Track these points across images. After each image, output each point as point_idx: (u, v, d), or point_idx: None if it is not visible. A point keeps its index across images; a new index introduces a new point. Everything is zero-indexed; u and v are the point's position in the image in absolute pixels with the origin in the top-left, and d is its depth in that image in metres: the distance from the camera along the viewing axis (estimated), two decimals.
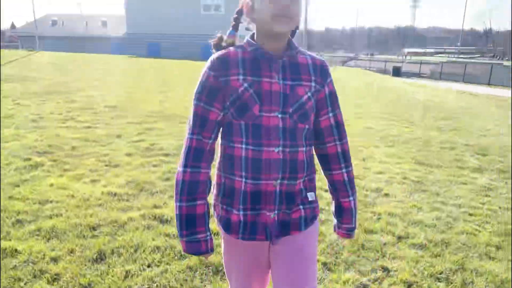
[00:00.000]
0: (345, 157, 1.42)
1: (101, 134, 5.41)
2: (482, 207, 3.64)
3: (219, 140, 1.35)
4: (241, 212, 1.31)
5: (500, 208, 3.65)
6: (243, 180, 1.28)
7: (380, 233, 3.00)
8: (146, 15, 32.26)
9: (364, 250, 2.75)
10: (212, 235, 1.32)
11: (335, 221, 1.49)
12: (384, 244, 2.84)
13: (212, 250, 1.32)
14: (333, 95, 1.37)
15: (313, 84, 1.31)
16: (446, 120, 8.30)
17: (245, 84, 1.25)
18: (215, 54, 1.31)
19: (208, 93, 1.27)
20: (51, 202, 3.23)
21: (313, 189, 1.41)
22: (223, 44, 1.37)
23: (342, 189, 1.44)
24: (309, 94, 1.30)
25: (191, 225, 1.28)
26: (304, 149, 1.32)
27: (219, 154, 1.37)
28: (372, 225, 3.12)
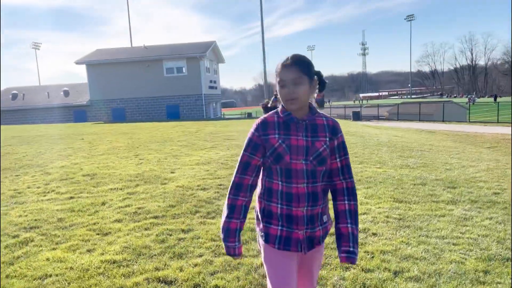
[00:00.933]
0: (349, 192, 1.90)
1: (86, 204, 5.39)
2: (463, 236, 3.90)
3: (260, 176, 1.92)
4: (279, 227, 1.85)
5: (479, 235, 3.93)
6: (279, 205, 1.83)
7: (377, 270, 3.17)
8: (109, 82, 32.67)
9: None
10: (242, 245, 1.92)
11: (337, 249, 1.90)
12: (383, 280, 3.00)
13: (239, 254, 1.89)
14: (341, 145, 1.90)
15: (327, 139, 1.86)
16: (413, 158, 8.79)
17: (280, 141, 1.82)
18: (259, 119, 1.89)
19: (252, 147, 1.86)
20: (50, 276, 3.20)
21: (326, 213, 1.93)
22: (269, 105, 1.99)
23: (342, 216, 1.89)
24: (324, 146, 1.84)
25: (227, 234, 1.86)
26: (321, 184, 1.85)
27: (260, 187, 1.92)
28: (368, 263, 3.28)
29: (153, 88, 32.66)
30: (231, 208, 1.86)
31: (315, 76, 1.86)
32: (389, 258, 3.41)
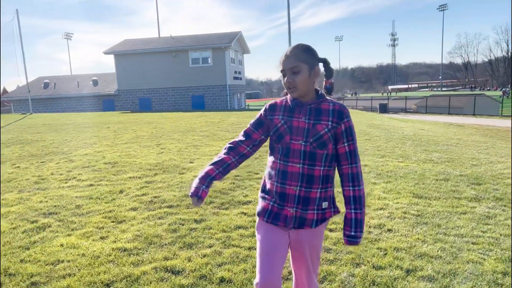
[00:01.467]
0: (353, 177, 1.93)
1: (104, 191, 5.49)
2: (484, 235, 3.74)
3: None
4: (271, 203, 1.96)
5: (501, 235, 3.75)
6: (275, 183, 1.94)
7: (389, 268, 3.07)
8: (136, 72, 33.15)
9: (375, 286, 2.82)
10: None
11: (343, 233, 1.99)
12: (394, 278, 2.91)
13: (202, 198, 1.96)
14: (348, 130, 1.93)
15: (329, 123, 1.90)
16: (438, 153, 8.51)
17: (282, 121, 1.95)
18: (269, 102, 2.04)
19: (257, 123, 2.04)
20: (62, 261, 3.27)
21: (327, 199, 1.96)
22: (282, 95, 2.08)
23: (347, 202, 1.94)
24: (326, 129, 1.89)
25: (200, 176, 2.00)
26: (321, 168, 1.91)
27: (266, 167, 2.03)
28: (380, 260, 3.19)
29: (178, 79, 32.94)
30: (218, 158, 2.03)
31: (318, 64, 1.94)
32: (402, 255, 3.30)
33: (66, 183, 6.12)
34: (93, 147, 9.98)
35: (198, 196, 1.95)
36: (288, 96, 1.98)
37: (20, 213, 4.62)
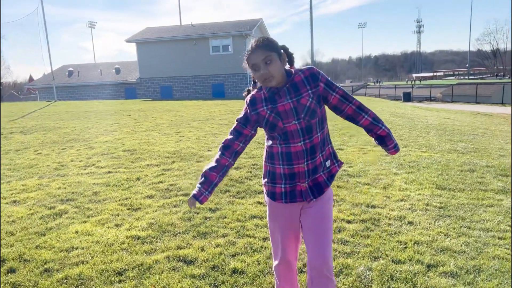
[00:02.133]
0: (361, 108, 2.03)
1: (121, 179, 5.50)
2: (511, 230, 3.55)
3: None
4: (283, 186, 2.02)
5: None
6: (281, 166, 1.99)
7: (409, 262, 2.94)
8: (157, 60, 33.31)
9: (393, 281, 2.70)
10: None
11: (383, 148, 2.12)
12: (414, 274, 2.78)
13: (202, 202, 2.00)
14: (328, 84, 1.99)
15: (310, 91, 1.96)
16: (463, 143, 8.21)
17: (268, 111, 1.98)
18: (248, 97, 2.07)
19: (244, 119, 2.06)
20: (76, 248, 3.27)
21: (329, 157, 2.06)
22: (251, 91, 2.13)
23: (373, 125, 2.06)
24: (310, 99, 1.94)
25: (204, 181, 2.02)
26: (318, 134, 1.98)
27: (264, 152, 2.10)
28: (400, 254, 3.06)
29: (199, 67, 32.95)
30: (217, 162, 2.06)
31: (282, 51, 1.98)
32: (423, 249, 3.16)
33: (85, 169, 6.17)
34: (113, 134, 10.07)
35: (199, 199, 2.01)
36: (261, 87, 2.03)
37: (39, 199, 4.67)
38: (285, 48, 2.01)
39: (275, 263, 2.16)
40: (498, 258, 3.00)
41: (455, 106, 23.51)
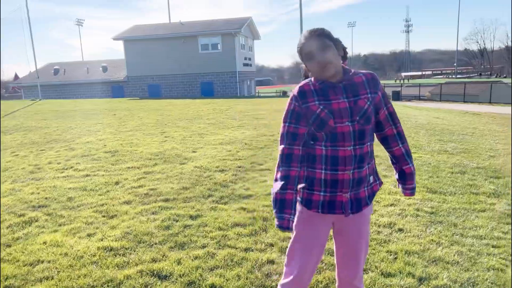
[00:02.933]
0: (400, 136, 1.94)
1: (99, 183, 5.24)
2: (506, 237, 3.39)
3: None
4: (322, 193, 1.82)
5: None
6: (323, 171, 1.79)
7: (399, 275, 2.76)
8: (145, 58, 32.86)
9: None
10: None
11: (400, 185, 2.03)
12: None
13: (292, 228, 1.77)
14: (385, 96, 1.89)
15: (369, 95, 1.82)
16: (453, 143, 8.09)
17: (321, 107, 1.78)
18: (296, 89, 1.84)
19: (296, 117, 1.81)
20: (42, 262, 3.02)
21: (372, 173, 1.90)
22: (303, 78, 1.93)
23: (403, 159, 1.96)
24: (368, 103, 1.80)
25: (282, 206, 1.76)
26: (368, 143, 1.83)
27: (295, 153, 1.83)
28: (389, 266, 2.87)
29: (188, 65, 32.58)
30: (286, 178, 1.77)
31: (337, 41, 1.83)
32: (414, 260, 2.98)
33: (62, 172, 5.89)
34: (96, 134, 9.77)
35: (289, 228, 1.75)
36: (313, 79, 1.84)
37: (9, 205, 4.40)
38: (339, 42, 1.85)
39: (285, 280, 1.90)
40: (494, 269, 2.83)
41: (444, 105, 23.56)
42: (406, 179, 1.98)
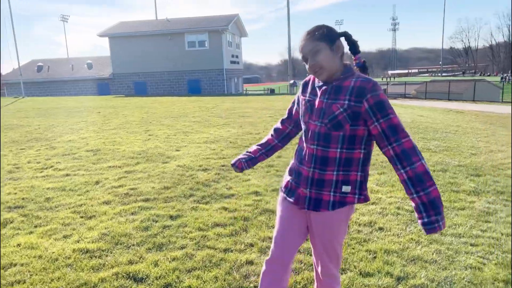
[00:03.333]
0: (399, 158, 1.67)
1: (79, 183, 5.14)
2: (484, 235, 3.41)
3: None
4: (291, 181, 1.93)
5: (502, 234, 3.43)
6: (295, 161, 1.93)
7: (378, 275, 2.75)
8: (131, 55, 32.51)
9: None
10: None
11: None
12: None
13: (235, 165, 2.19)
14: (374, 108, 1.68)
15: (346, 102, 1.72)
16: (436, 141, 8.16)
17: (306, 100, 1.89)
18: (305, 79, 1.97)
19: (295, 100, 2.05)
20: (15, 265, 2.94)
21: (351, 184, 1.80)
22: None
23: (405, 187, 1.70)
24: (341, 109, 1.73)
25: (245, 151, 2.20)
26: (337, 150, 1.76)
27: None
28: (368, 266, 2.86)
29: (174, 62, 32.34)
30: (263, 140, 2.18)
31: (339, 39, 1.78)
32: (393, 259, 2.98)
33: (41, 172, 5.77)
34: (79, 133, 9.61)
35: (235, 166, 2.14)
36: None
37: None
38: (346, 35, 1.82)
39: (268, 257, 1.97)
40: (471, 268, 2.85)
41: (429, 103, 23.82)
42: (415, 211, 1.71)
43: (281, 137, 2.12)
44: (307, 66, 1.79)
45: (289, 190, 1.93)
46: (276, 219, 2.01)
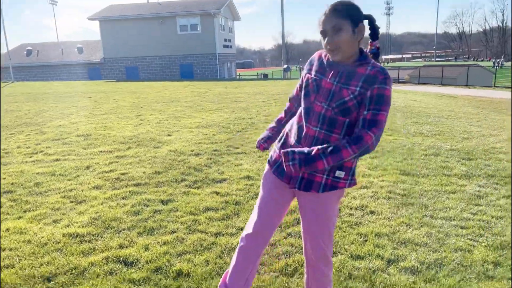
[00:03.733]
0: (354, 138, 1.65)
1: (69, 167, 5.08)
2: (474, 218, 3.43)
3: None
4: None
5: (492, 217, 3.45)
6: (292, 138, 1.86)
7: (368, 258, 2.76)
8: (122, 39, 32.06)
9: (351, 279, 2.50)
10: None
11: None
12: (373, 271, 2.59)
13: (259, 147, 2.15)
14: (374, 97, 1.65)
15: (357, 89, 1.67)
16: (429, 125, 8.18)
17: (313, 78, 1.80)
18: (313, 55, 1.89)
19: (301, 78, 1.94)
20: (4, 250, 2.90)
21: (344, 169, 1.78)
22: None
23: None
24: (351, 96, 1.68)
25: (264, 133, 2.18)
26: (340, 136, 1.74)
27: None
28: (359, 249, 2.87)
29: (166, 46, 31.96)
30: (277, 118, 2.16)
31: (363, 21, 1.70)
32: (384, 242, 2.98)
33: (31, 157, 5.70)
34: (69, 118, 9.49)
35: (258, 147, 2.12)
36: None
37: None
38: (371, 19, 1.75)
39: (243, 233, 1.95)
40: (461, 250, 2.86)
41: (422, 88, 23.83)
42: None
43: (290, 115, 2.08)
44: (323, 42, 1.69)
45: (279, 165, 1.88)
46: (260, 192, 1.97)
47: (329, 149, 1.65)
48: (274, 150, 1.97)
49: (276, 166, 1.90)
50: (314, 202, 1.85)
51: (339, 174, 1.78)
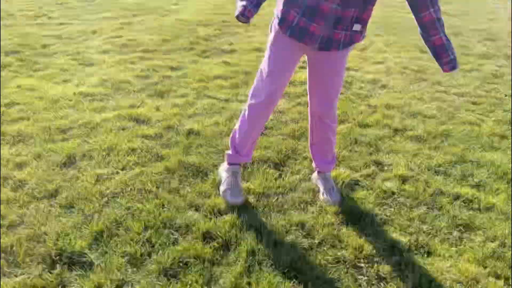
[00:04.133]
0: (433, 1, 1.62)
1: (75, 31, 4.92)
2: (487, 95, 3.39)
3: None
4: (297, 16, 1.68)
5: (506, 95, 3.40)
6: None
7: (376, 126, 2.79)
8: None
9: (356, 144, 2.56)
10: None
11: (438, 63, 1.74)
12: (380, 138, 2.64)
13: (249, 16, 1.70)
14: None
15: None
16: (452, 4, 7.63)
17: None
18: None
19: None
20: (17, 104, 2.95)
21: (362, 22, 1.69)
22: None
23: (433, 27, 1.65)
24: None
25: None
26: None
27: None
28: (367, 118, 2.89)
29: None
30: None
31: None
32: (393, 113, 2.99)
33: (35, 20, 5.50)
34: None
35: (245, 15, 1.70)
36: None
37: None
38: None
39: (254, 100, 1.85)
40: (469, 124, 2.88)
41: None
42: (437, 52, 1.70)
43: None
44: None
45: (296, 26, 1.69)
46: (270, 53, 1.81)
47: (443, 27, 1.69)
48: (284, 10, 1.72)
49: (291, 28, 1.71)
50: (331, 59, 1.81)
51: (357, 27, 1.69)
